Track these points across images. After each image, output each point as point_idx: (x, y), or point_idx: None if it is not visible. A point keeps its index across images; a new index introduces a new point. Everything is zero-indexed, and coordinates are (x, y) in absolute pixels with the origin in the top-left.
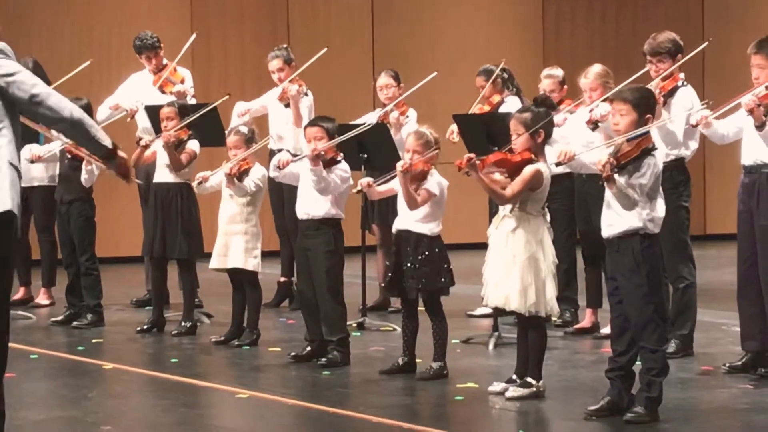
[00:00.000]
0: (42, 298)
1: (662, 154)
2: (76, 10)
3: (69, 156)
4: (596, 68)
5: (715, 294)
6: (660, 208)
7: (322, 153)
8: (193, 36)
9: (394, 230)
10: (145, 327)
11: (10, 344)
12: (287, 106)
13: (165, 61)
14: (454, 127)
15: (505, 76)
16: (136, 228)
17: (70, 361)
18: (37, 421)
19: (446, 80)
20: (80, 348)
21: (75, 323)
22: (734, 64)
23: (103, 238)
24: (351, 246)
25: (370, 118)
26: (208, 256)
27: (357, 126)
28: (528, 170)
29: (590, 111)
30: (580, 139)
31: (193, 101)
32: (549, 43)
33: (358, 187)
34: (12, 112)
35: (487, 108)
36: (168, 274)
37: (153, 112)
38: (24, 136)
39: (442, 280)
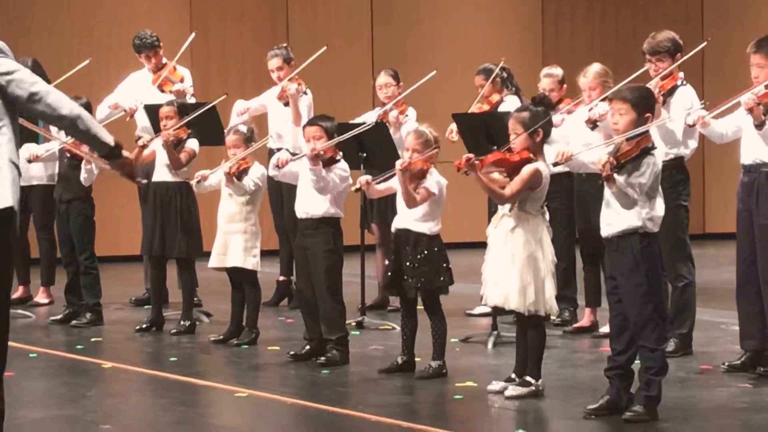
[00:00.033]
0: (41, 297)
1: (661, 153)
2: (76, 9)
3: (68, 155)
4: (595, 67)
5: (714, 293)
6: (659, 207)
7: (322, 152)
8: (192, 35)
9: (393, 229)
10: (144, 326)
11: (9, 343)
12: (286, 104)
13: (164, 60)
14: (453, 126)
15: (505, 75)
16: (136, 227)
17: (69, 359)
18: (36, 419)
19: (446, 80)
20: (79, 347)
21: (74, 322)
22: (734, 64)
23: (103, 237)
24: (350, 245)
25: (370, 117)
26: (208, 255)
27: (356, 125)
28: (527, 170)
29: (589, 110)
30: (579, 139)
31: (193, 100)
32: (548, 42)
33: (357, 185)
34: (12, 110)
35: (486, 107)
36: (167, 273)
37: (152, 111)
38: (23, 136)
39: (441, 279)
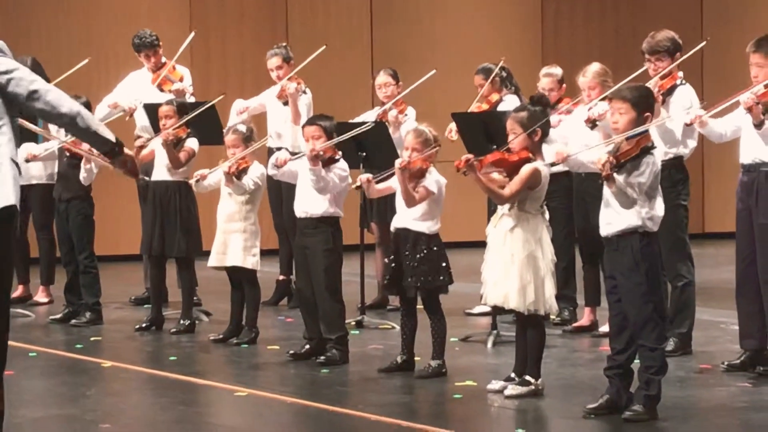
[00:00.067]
0: (40, 296)
1: (661, 153)
2: (76, 9)
3: (68, 154)
4: (595, 67)
5: (714, 292)
6: (659, 206)
7: (321, 153)
8: (192, 34)
9: (392, 228)
10: (143, 325)
11: (9, 342)
12: (286, 104)
13: (164, 59)
14: (452, 125)
15: (504, 74)
16: (135, 226)
17: (69, 359)
18: (36, 418)
19: (445, 79)
20: (79, 346)
21: (73, 321)
22: (733, 63)
23: (102, 236)
24: (350, 244)
25: (369, 117)
26: (207, 254)
27: (356, 124)
28: (526, 169)
29: (589, 110)
30: (578, 138)
31: (192, 99)
32: (548, 42)
33: (358, 183)
34: (11, 109)
35: (485, 106)
36: (167, 272)
37: (152, 110)
38: (22, 136)
39: (441, 278)
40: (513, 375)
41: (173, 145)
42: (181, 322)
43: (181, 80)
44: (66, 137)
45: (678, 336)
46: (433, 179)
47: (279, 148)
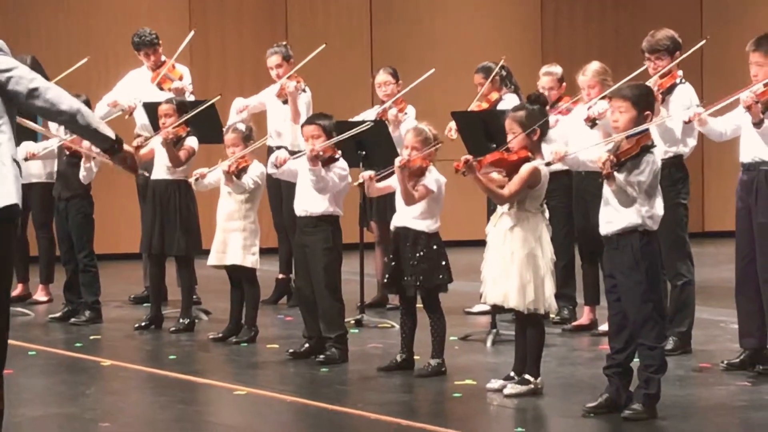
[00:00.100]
0: (40, 295)
1: (660, 152)
2: (75, 8)
3: (67, 153)
4: (594, 66)
5: (714, 291)
6: (659, 205)
7: (321, 153)
8: (191, 33)
9: (392, 227)
10: (143, 324)
11: (8, 341)
12: (285, 102)
13: (163, 58)
14: (452, 124)
15: (504, 73)
16: (135, 225)
17: (68, 357)
18: (35, 417)
19: (445, 79)
20: (78, 345)
21: (73, 320)
22: (733, 62)
23: (102, 235)
24: (349, 243)
25: (369, 116)
26: (207, 252)
27: (355, 123)
28: (525, 168)
29: (588, 108)
30: (578, 137)
31: (192, 98)
32: (547, 41)
33: (360, 180)
34: (11, 108)
35: (485, 105)
36: (166, 270)
37: (151, 109)
38: (22, 135)
39: (440, 277)
40: (512, 374)
41: (173, 144)
42: (181, 320)
43: (180, 79)
44: (66, 135)
45: (677, 335)
46: (433, 178)
47: (279, 147)
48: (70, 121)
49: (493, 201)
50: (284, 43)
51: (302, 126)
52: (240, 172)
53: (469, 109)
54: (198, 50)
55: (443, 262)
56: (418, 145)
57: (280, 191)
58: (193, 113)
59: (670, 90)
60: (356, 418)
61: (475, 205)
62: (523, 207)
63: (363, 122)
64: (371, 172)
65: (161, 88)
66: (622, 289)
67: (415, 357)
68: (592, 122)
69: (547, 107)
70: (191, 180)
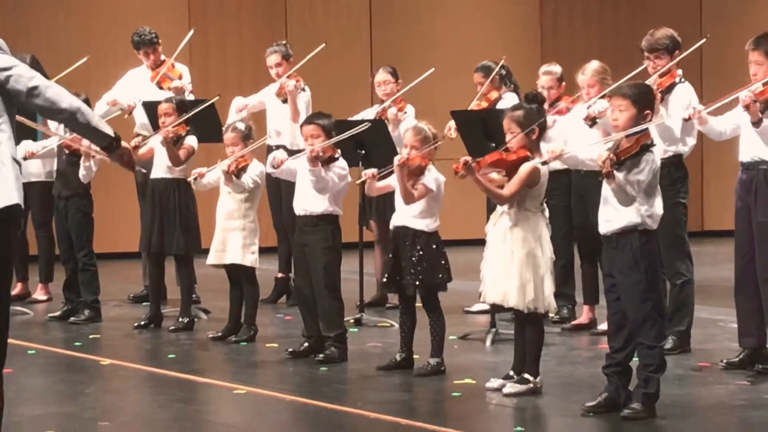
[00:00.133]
0: (39, 294)
1: (660, 151)
2: (75, 7)
3: (67, 152)
4: (594, 65)
5: (713, 290)
6: (658, 204)
7: (321, 153)
8: (191, 32)
9: (391, 226)
10: (142, 323)
11: (8, 340)
12: (285, 101)
13: (163, 57)
14: (451, 123)
15: (503, 72)
16: (134, 224)
17: (68, 356)
18: (35, 416)
19: (445, 79)
20: (77, 344)
21: (72, 319)
22: (733, 61)
23: (101, 234)
24: (349, 242)
25: (369, 115)
26: (206, 251)
27: (354, 122)
28: (525, 168)
29: (588, 107)
30: (577, 136)
31: (191, 97)
32: (547, 41)
33: (363, 178)
34: (10, 107)
35: (484, 104)
36: (165, 269)
37: (151, 108)
38: (21, 133)
39: (440, 276)
40: (512, 373)
41: (172, 143)
42: (180, 319)
43: (180, 78)
44: (66, 134)
45: (677, 334)
46: (432, 177)
47: (278, 146)
48: (70, 119)
49: (494, 201)
50: (284, 42)
51: (301, 125)
52: (239, 171)
53: (468, 108)
54: (197, 49)
55: (442, 261)
56: (418, 144)
57: (279, 190)
58: (192, 112)
59: (669, 89)
60: (355, 417)
61: (474, 204)
62: (522, 206)
63: (362, 121)
64: (374, 170)
65: (161, 87)
66: (621, 288)
67: (415, 356)
68: (591, 121)
69: (546, 106)
70: (189, 179)
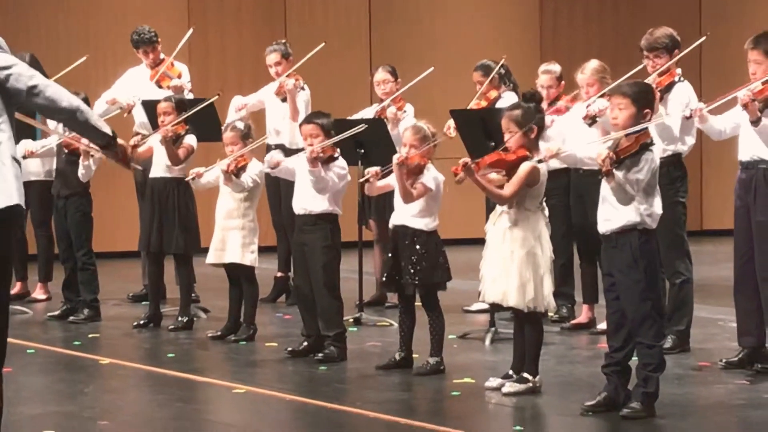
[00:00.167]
0: (38, 293)
1: (659, 150)
2: (75, 6)
3: (66, 151)
4: (593, 64)
5: (712, 290)
6: (657, 203)
7: (320, 153)
8: (190, 31)
9: (391, 225)
10: (141, 322)
11: (7, 339)
12: (284, 100)
13: (162, 55)
14: (451, 122)
15: (503, 71)
16: (133, 223)
17: (67, 356)
18: (34, 415)
19: (444, 79)
20: (77, 343)
21: (71, 318)
22: (732, 60)
23: (100, 233)
24: (348, 241)
25: (368, 114)
26: (205, 251)
27: (354, 121)
28: (524, 167)
29: (587, 107)
30: (576, 135)
31: (191, 96)
32: (546, 41)
33: (366, 175)
34: (10, 106)
35: (484, 103)
36: (165, 269)
37: (150, 107)
38: (21, 132)
39: (439, 275)
40: (511, 372)
41: (172, 142)
42: (179, 318)
43: (179, 77)
44: (65, 133)
45: (676, 333)
46: (431, 176)
47: (277, 145)
48: (69, 118)
49: (494, 201)
50: (283, 41)
51: (300, 125)
52: (239, 170)
53: (467, 108)
54: (197, 48)
55: (442, 261)
56: (417, 143)
57: (279, 189)
58: (192, 111)
59: (668, 88)
60: (355, 417)
61: (474, 203)
62: (522, 205)
63: (362, 121)
64: (377, 168)
65: (160, 86)
66: (620, 288)
67: (414, 355)
68: (591, 120)
69: (544, 105)
70: (188, 179)
